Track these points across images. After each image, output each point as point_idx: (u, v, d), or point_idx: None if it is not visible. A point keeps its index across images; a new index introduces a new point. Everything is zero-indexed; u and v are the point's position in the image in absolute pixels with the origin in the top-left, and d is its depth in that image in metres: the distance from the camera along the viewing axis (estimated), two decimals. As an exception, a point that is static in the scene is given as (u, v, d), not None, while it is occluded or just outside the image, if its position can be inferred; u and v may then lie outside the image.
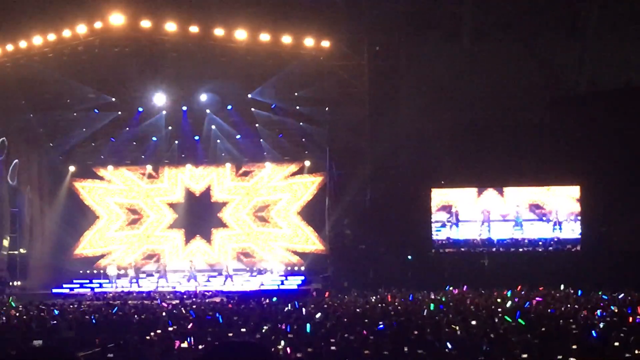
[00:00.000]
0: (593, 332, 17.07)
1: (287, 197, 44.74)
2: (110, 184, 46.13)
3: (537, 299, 27.97)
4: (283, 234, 44.66)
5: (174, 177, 45.83)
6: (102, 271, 44.14)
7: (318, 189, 43.97)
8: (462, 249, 40.69)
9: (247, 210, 44.97)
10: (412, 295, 31.57)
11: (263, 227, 44.88)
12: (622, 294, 29.12)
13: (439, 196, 41.15)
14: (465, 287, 34.62)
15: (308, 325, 18.63)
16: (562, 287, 32.84)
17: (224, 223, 45.17)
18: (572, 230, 40.01)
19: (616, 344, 15.52)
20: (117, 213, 46.06)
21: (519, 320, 19.76)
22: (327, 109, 40.40)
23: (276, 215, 44.81)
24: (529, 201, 40.34)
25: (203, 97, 41.90)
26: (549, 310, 23.77)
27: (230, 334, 18.32)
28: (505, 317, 20.95)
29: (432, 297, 31.38)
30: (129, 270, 43.74)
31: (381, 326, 19.34)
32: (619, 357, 13.99)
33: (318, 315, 22.84)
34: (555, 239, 40.07)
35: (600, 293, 30.27)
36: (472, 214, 40.83)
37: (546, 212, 40.32)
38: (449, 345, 15.42)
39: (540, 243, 40.18)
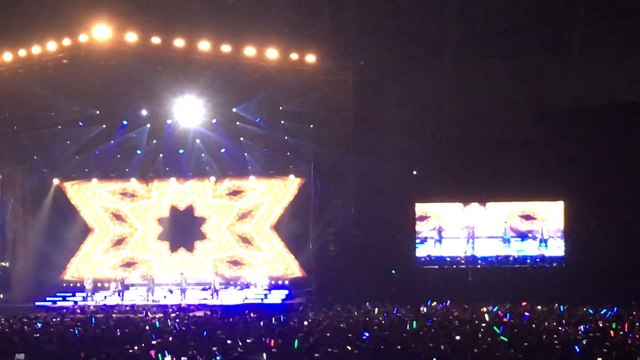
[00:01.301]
0: (576, 347, 17.10)
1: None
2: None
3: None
4: (264, 259, 44.65)
5: (161, 190, 45.83)
6: (79, 284, 43.81)
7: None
8: (446, 266, 40.72)
9: (230, 220, 45.02)
10: (396, 309, 31.61)
11: (246, 249, 44.85)
12: (607, 310, 29.23)
13: (422, 211, 41.21)
14: (448, 302, 34.72)
15: (296, 341, 18.58)
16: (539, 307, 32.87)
17: (206, 236, 45.16)
18: (558, 247, 40.11)
19: (599, 359, 15.56)
20: (102, 220, 45.93)
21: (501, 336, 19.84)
22: (311, 125, 40.45)
23: (256, 231, 44.77)
24: (518, 213, 40.46)
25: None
26: (531, 324, 23.84)
27: (215, 348, 18.25)
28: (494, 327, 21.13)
29: (421, 311, 31.39)
30: (112, 284, 43.66)
31: (366, 335, 19.37)
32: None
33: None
34: (541, 257, 40.18)
35: (584, 309, 30.34)
36: (456, 230, 40.87)
37: (532, 229, 40.44)
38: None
39: (528, 261, 40.26)
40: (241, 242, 44.91)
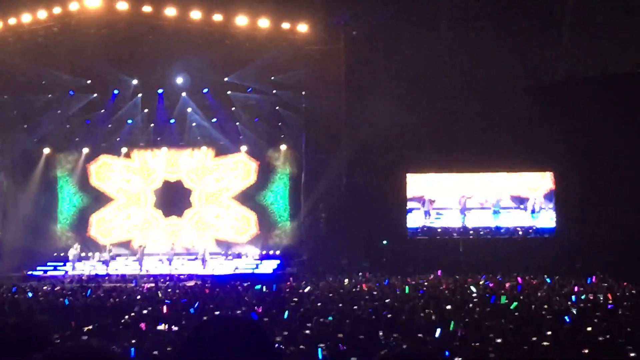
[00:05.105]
0: (566, 317, 17.16)
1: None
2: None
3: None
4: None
5: (154, 162, 45.94)
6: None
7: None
8: (437, 237, 40.83)
9: (209, 192, 45.58)
10: (387, 280, 31.67)
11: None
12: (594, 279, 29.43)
13: (414, 182, 41.31)
14: (439, 272, 34.80)
15: (286, 312, 18.62)
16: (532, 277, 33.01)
17: (192, 205, 45.51)
18: (550, 219, 40.33)
19: (589, 329, 15.60)
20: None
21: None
22: (303, 93, 40.38)
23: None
24: (508, 187, 40.66)
25: (179, 80, 41.71)
26: (522, 294, 23.93)
27: (205, 318, 18.25)
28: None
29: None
30: (103, 254, 43.55)
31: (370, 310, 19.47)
32: (592, 341, 14.04)
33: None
34: (534, 228, 40.37)
35: (574, 281, 30.45)
36: (447, 201, 41.01)
37: (524, 199, 40.65)
38: (437, 332, 15.34)
39: (519, 232, 40.44)
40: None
